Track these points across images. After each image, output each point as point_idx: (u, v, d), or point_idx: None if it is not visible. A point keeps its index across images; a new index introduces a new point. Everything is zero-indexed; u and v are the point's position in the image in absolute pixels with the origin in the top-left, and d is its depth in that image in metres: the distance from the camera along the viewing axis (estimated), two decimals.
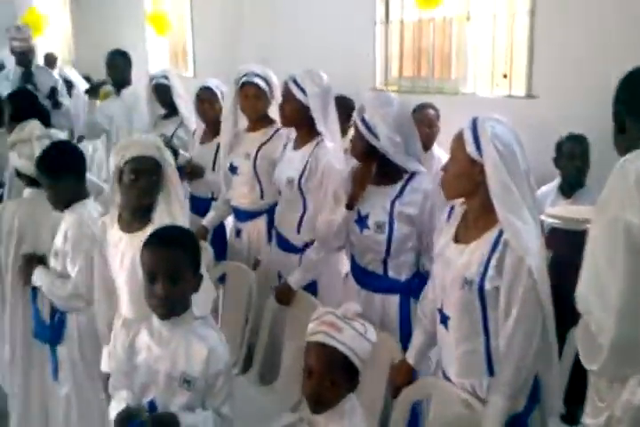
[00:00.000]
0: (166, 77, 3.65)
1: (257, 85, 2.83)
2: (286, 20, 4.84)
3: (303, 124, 2.58)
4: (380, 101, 2.18)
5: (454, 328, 1.76)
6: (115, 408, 1.61)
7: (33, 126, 2.56)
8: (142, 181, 1.98)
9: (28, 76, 4.75)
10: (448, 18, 3.97)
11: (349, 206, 2.23)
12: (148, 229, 1.95)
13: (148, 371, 1.61)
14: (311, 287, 2.54)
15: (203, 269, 1.70)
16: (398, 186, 2.18)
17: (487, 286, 1.66)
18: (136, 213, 2.05)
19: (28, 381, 2.57)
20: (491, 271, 1.65)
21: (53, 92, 4.65)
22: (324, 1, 4.53)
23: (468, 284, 1.68)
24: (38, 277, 2.32)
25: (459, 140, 1.71)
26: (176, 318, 1.61)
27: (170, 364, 1.59)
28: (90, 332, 2.30)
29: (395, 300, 2.23)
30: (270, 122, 2.91)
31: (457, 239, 1.77)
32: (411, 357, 1.96)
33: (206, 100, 3.27)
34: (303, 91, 2.53)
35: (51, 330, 2.36)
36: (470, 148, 1.67)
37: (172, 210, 2.04)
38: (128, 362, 1.64)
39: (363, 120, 2.14)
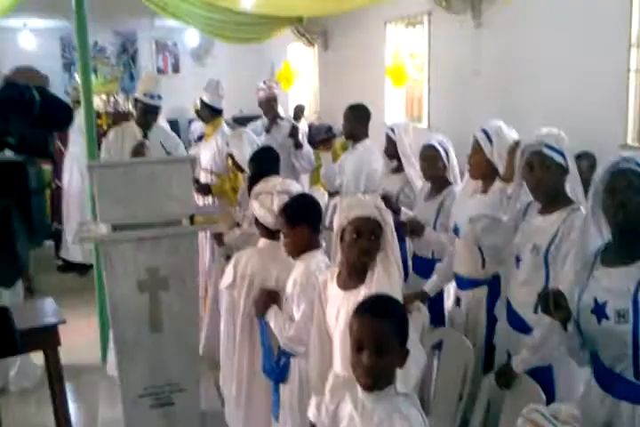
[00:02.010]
0: (393, 131, 3.72)
1: (477, 141, 2.73)
2: (526, 71, 4.67)
3: (559, 189, 2.35)
4: None
5: None
6: None
7: (276, 182, 2.79)
8: (363, 240, 2.04)
9: (271, 123, 5.10)
10: None
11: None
12: (362, 289, 2.04)
13: None
14: (546, 374, 2.27)
15: (414, 337, 1.65)
16: None
17: None
18: (353, 272, 2.11)
19: (248, 420, 2.74)
20: None
21: (294, 131, 4.84)
22: (570, 50, 4.28)
23: None
24: (271, 314, 2.51)
25: None
26: (379, 392, 1.58)
27: None
28: (310, 378, 2.36)
29: None
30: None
31: None
32: None
33: (428, 158, 3.24)
34: (562, 154, 2.31)
35: (277, 368, 2.52)
36: None
37: (390, 270, 2.06)
38: None
39: None
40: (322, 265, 2.43)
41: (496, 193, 2.58)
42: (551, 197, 2.36)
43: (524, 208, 2.50)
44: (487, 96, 5.08)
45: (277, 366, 2.51)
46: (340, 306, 2.09)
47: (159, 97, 4.26)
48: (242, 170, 4.15)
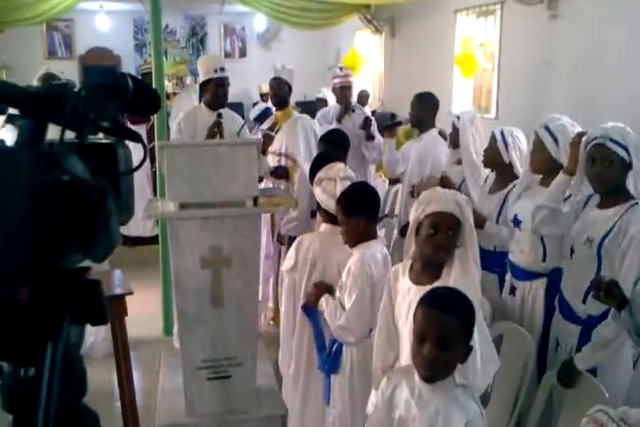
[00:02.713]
0: (458, 118, 3.68)
1: (540, 138, 2.70)
2: (600, 64, 4.51)
3: (620, 183, 2.33)
4: None
5: None
6: None
7: (339, 168, 2.80)
8: (439, 236, 1.95)
9: (344, 112, 5.11)
10: None
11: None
12: (436, 284, 1.94)
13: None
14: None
15: (482, 330, 1.63)
16: None
17: None
18: (427, 266, 2.03)
19: (305, 400, 2.80)
20: None
21: (367, 122, 4.82)
22: None
23: None
24: (322, 302, 2.53)
25: None
26: (437, 383, 1.59)
27: None
28: (361, 368, 2.39)
29: None
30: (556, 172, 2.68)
31: None
32: None
33: (493, 148, 3.19)
34: (626, 149, 2.26)
35: (328, 359, 2.54)
36: None
37: (468, 268, 1.97)
38: (386, 413, 1.67)
39: None
40: (377, 255, 2.40)
41: (558, 185, 2.55)
42: (611, 191, 2.35)
43: (585, 200, 2.48)
44: (559, 88, 4.93)
45: (328, 357, 2.51)
46: (411, 300, 2.00)
47: (224, 69, 4.26)
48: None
